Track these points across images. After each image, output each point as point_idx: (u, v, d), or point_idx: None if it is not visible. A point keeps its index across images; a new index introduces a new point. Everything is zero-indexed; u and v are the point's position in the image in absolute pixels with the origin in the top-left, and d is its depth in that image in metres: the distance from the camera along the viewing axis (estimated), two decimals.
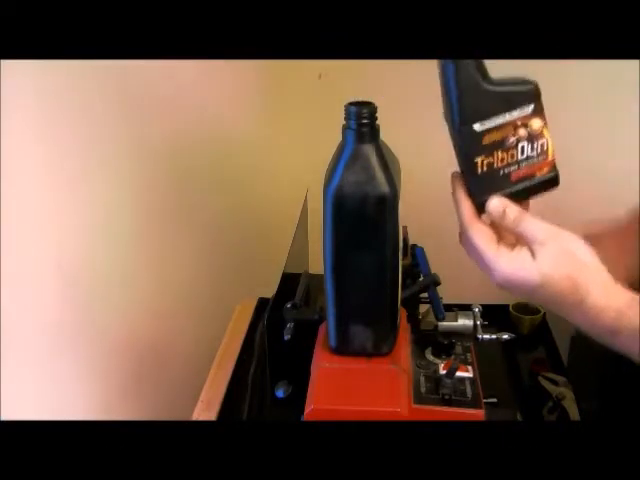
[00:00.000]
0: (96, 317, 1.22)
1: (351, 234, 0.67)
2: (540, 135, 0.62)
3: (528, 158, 0.62)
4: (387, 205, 0.65)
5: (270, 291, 0.84)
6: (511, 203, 0.61)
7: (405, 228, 0.85)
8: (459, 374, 0.71)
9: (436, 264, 0.82)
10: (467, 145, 0.61)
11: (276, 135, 1.28)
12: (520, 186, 0.62)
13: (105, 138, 1.13)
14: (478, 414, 0.67)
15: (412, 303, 0.80)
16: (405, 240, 0.85)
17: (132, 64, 1.02)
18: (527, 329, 1.08)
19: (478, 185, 0.62)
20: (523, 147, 0.62)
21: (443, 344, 0.76)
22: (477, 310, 0.79)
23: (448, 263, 0.83)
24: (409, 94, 1.22)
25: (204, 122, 1.22)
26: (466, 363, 0.74)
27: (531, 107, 0.61)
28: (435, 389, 0.70)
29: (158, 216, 1.24)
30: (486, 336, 0.77)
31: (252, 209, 1.33)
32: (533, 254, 0.58)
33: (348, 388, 0.68)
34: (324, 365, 0.71)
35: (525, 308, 1.09)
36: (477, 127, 0.60)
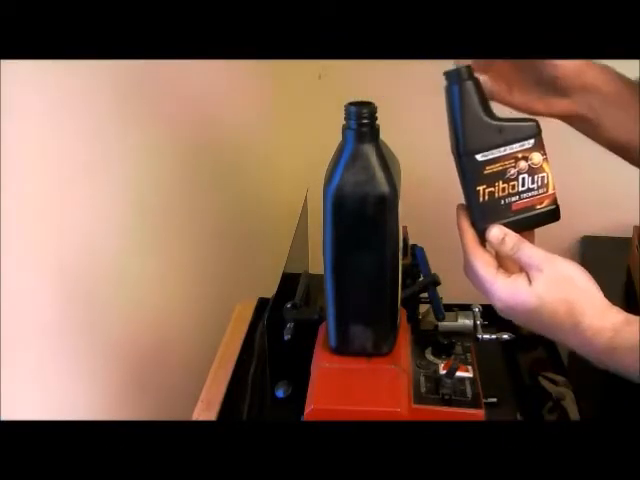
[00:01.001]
0: (96, 317, 1.22)
1: (351, 234, 0.67)
2: (540, 169, 0.64)
3: (528, 190, 0.64)
4: (387, 205, 0.65)
5: (270, 291, 0.84)
6: (510, 231, 0.63)
7: (405, 228, 0.85)
8: (459, 374, 0.71)
9: (436, 264, 0.82)
10: (470, 174, 0.64)
11: (276, 135, 1.29)
12: (520, 216, 0.64)
13: (105, 139, 1.13)
14: (478, 414, 0.67)
15: (412, 303, 0.80)
16: (405, 240, 0.85)
17: (133, 64, 1.02)
18: (527, 329, 1.08)
19: (480, 213, 0.64)
20: (524, 179, 0.64)
21: (443, 344, 0.76)
22: (477, 310, 0.79)
23: (448, 263, 0.83)
24: (409, 94, 1.22)
25: (204, 122, 1.22)
26: (466, 363, 0.74)
27: (532, 141, 0.64)
28: (435, 389, 0.70)
29: (158, 216, 1.24)
30: (486, 336, 0.77)
31: (252, 209, 1.33)
32: (530, 279, 0.60)
33: (348, 388, 0.68)
34: (324, 365, 0.71)
35: None
36: (479, 157, 0.63)
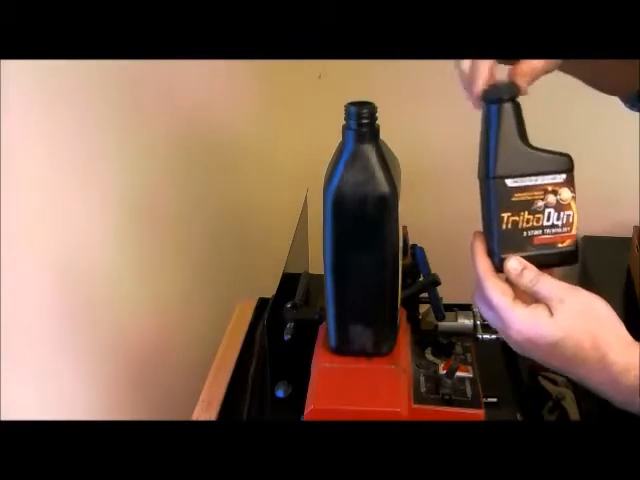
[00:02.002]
0: (96, 317, 1.22)
1: (351, 234, 0.67)
2: (568, 206, 0.62)
3: (553, 226, 0.62)
4: (387, 205, 0.65)
5: (270, 291, 0.84)
6: (529, 264, 0.60)
7: (405, 228, 0.85)
8: (459, 374, 0.72)
9: (436, 264, 0.82)
10: (497, 199, 0.61)
11: (276, 135, 1.29)
12: (540, 252, 0.62)
13: (105, 139, 1.13)
14: (478, 414, 0.67)
15: (412, 303, 0.80)
16: (405, 240, 0.85)
17: (133, 64, 1.02)
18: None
19: (500, 241, 0.62)
20: (550, 214, 0.62)
21: (443, 344, 0.76)
22: (477, 310, 0.79)
23: (448, 263, 0.83)
24: (409, 94, 1.22)
25: (204, 122, 1.22)
26: (466, 363, 0.74)
27: (563, 176, 0.61)
28: (435, 389, 0.70)
29: (158, 216, 1.24)
30: (486, 336, 0.77)
31: (252, 209, 1.33)
32: (551, 311, 0.57)
33: (348, 388, 0.68)
34: (324, 365, 0.71)
35: None
36: (509, 182, 0.61)
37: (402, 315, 0.76)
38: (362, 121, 0.64)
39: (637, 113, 0.91)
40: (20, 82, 0.98)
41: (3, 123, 0.97)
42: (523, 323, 0.57)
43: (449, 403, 0.68)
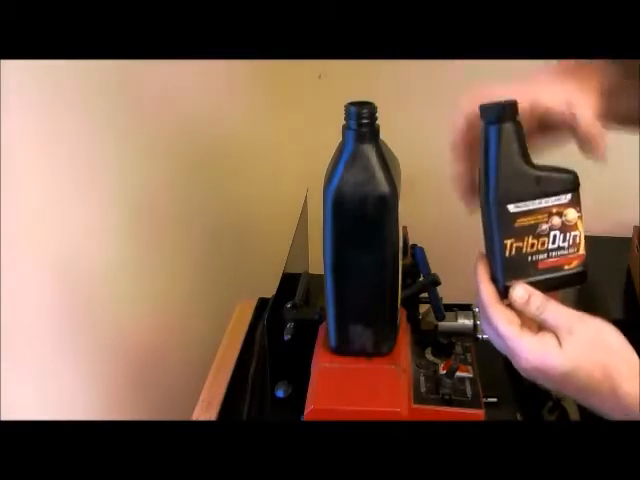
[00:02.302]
0: (96, 317, 1.22)
1: (351, 234, 0.67)
2: (574, 227, 0.60)
3: (559, 249, 0.60)
4: (387, 205, 0.65)
5: (270, 291, 0.84)
6: (536, 291, 0.59)
7: (405, 228, 0.85)
8: (459, 374, 0.71)
9: (436, 264, 0.82)
10: (499, 225, 0.59)
11: (276, 135, 1.28)
12: (546, 276, 0.60)
13: (105, 139, 1.13)
14: (478, 414, 0.67)
15: (412, 303, 0.80)
16: (405, 240, 0.85)
17: (132, 64, 1.02)
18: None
19: (504, 268, 0.60)
20: (555, 236, 0.59)
21: (443, 344, 0.76)
22: (477, 310, 0.79)
23: (448, 263, 0.83)
24: (409, 94, 1.22)
25: (204, 122, 1.22)
26: (466, 363, 0.74)
27: (569, 196, 0.59)
28: (435, 389, 0.70)
29: (157, 216, 1.24)
30: (486, 336, 0.77)
31: (252, 209, 1.33)
32: (559, 341, 0.56)
33: (348, 388, 0.68)
34: (324, 365, 0.71)
35: None
36: (511, 208, 0.58)
37: (402, 315, 0.76)
38: (362, 121, 0.64)
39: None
40: (20, 82, 0.98)
41: (3, 123, 0.97)
42: (532, 352, 0.56)
43: (449, 403, 0.68)
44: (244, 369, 0.94)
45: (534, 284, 0.59)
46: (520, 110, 0.58)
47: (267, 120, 1.27)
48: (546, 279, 0.60)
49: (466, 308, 0.80)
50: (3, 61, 0.86)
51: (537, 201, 0.58)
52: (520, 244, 0.59)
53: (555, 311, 0.58)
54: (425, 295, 0.79)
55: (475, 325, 0.78)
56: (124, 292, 1.24)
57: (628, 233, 1.19)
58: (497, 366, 0.96)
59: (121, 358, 1.26)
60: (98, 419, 1.20)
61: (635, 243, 1.16)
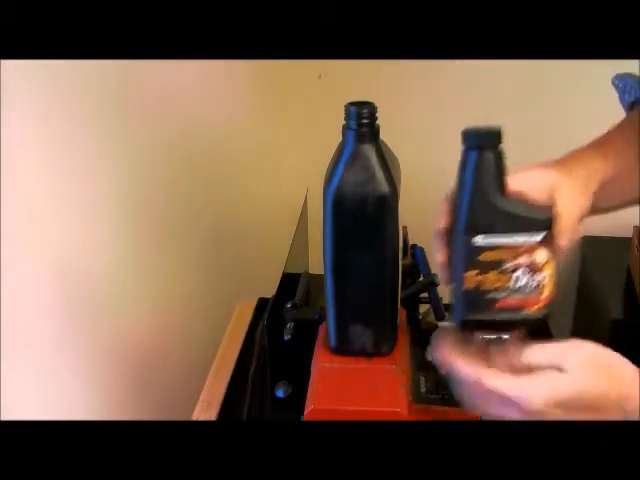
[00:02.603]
0: (96, 317, 1.22)
1: (351, 234, 0.67)
2: (541, 269, 0.56)
3: (520, 289, 0.56)
4: (387, 205, 0.65)
5: (270, 291, 0.84)
6: (509, 348, 0.56)
7: (405, 228, 0.85)
8: None
9: (436, 264, 0.82)
10: (462, 255, 0.56)
11: (276, 135, 1.29)
12: (502, 316, 0.57)
13: (105, 139, 1.13)
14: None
15: (412, 303, 0.80)
16: (405, 240, 0.85)
17: (132, 64, 1.02)
18: (527, 329, 1.08)
19: (460, 301, 0.57)
20: (519, 277, 0.56)
21: None
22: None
23: None
24: (409, 94, 1.22)
25: (204, 122, 1.22)
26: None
27: (540, 236, 0.56)
28: (435, 389, 0.70)
29: (158, 216, 1.24)
30: (486, 336, 0.77)
31: (252, 209, 1.33)
32: (560, 370, 0.54)
33: (348, 388, 0.68)
34: (324, 365, 0.71)
35: None
36: (479, 240, 0.56)
37: (402, 315, 0.76)
38: (362, 121, 0.64)
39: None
40: (20, 82, 0.98)
41: (3, 123, 0.98)
42: (538, 387, 0.53)
43: (449, 403, 0.68)
44: (244, 369, 0.94)
45: (489, 323, 0.57)
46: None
47: (267, 120, 1.27)
48: (502, 320, 0.57)
49: None
50: (3, 61, 0.86)
51: (506, 237, 0.56)
52: (481, 278, 0.56)
53: (538, 352, 0.55)
54: (425, 295, 0.79)
55: None
56: (124, 292, 1.24)
57: (628, 233, 1.19)
58: None
59: (121, 358, 1.26)
60: (98, 419, 1.20)
61: (635, 243, 1.16)
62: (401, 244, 0.70)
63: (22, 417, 0.98)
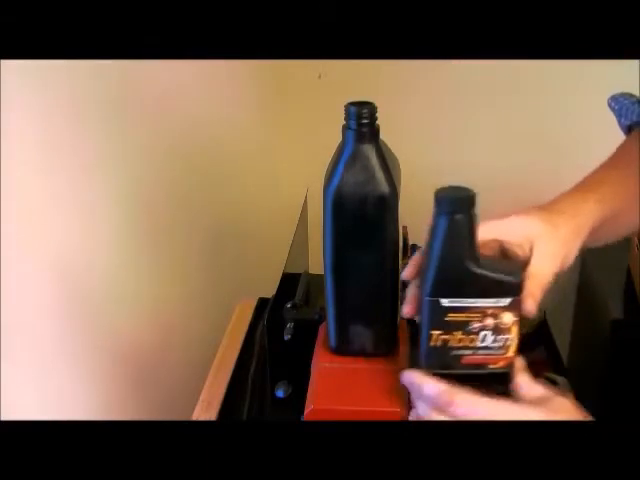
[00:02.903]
0: (96, 317, 1.22)
1: (351, 234, 0.67)
2: (507, 330, 0.58)
3: (487, 348, 0.58)
4: (387, 205, 0.65)
5: (270, 291, 0.84)
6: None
7: (405, 228, 0.85)
8: None
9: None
10: (428, 316, 0.58)
11: (276, 135, 1.29)
12: (468, 371, 0.59)
13: (105, 139, 1.13)
14: None
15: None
16: (405, 240, 0.85)
17: (132, 64, 1.02)
18: (527, 329, 1.08)
19: (427, 356, 0.59)
20: (485, 336, 0.57)
21: None
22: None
23: None
24: (409, 94, 1.22)
25: (204, 122, 1.22)
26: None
27: (508, 300, 0.56)
28: None
29: (158, 216, 1.24)
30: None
31: (252, 209, 1.33)
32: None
33: (348, 388, 0.68)
34: (324, 365, 0.71)
35: None
36: (445, 302, 0.57)
37: None
38: (362, 121, 0.64)
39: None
40: (20, 82, 0.98)
41: (3, 123, 0.97)
42: (536, 411, 0.55)
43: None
44: (244, 369, 0.94)
45: (455, 378, 0.58)
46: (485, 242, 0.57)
47: (267, 120, 1.27)
48: (468, 375, 0.58)
49: None
50: (3, 61, 0.86)
51: (472, 300, 0.56)
52: (447, 337, 0.58)
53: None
54: None
55: None
56: (124, 292, 1.24)
57: None
58: None
59: (121, 358, 1.26)
60: (98, 419, 1.20)
61: (635, 243, 1.16)
62: (401, 244, 0.70)
63: (22, 417, 0.98)
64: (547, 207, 0.63)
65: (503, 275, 0.56)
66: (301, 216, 0.94)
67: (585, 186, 0.66)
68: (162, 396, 1.30)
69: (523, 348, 1.00)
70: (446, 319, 0.57)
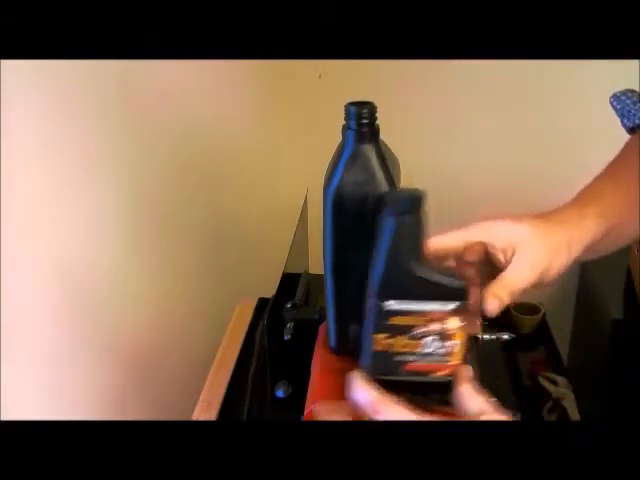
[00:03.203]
0: (95, 318, 1.22)
1: (351, 234, 0.67)
2: (452, 336, 0.56)
3: (431, 354, 0.57)
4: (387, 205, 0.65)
5: (270, 291, 0.84)
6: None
7: None
8: None
9: None
10: (372, 318, 0.56)
11: (276, 135, 1.29)
12: (410, 378, 0.57)
13: (105, 139, 1.13)
14: None
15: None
16: None
17: (132, 64, 1.02)
18: (527, 329, 1.08)
19: (368, 361, 0.58)
20: (430, 342, 0.56)
21: None
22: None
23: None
24: (409, 94, 1.22)
25: (204, 122, 1.22)
26: (466, 363, 0.74)
27: (453, 305, 0.55)
28: None
29: (158, 216, 1.24)
30: (486, 336, 0.77)
31: (252, 209, 1.33)
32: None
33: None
34: (324, 365, 0.71)
35: (525, 308, 1.09)
36: (389, 305, 0.55)
37: None
38: (362, 121, 0.63)
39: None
40: (20, 82, 0.98)
41: (3, 123, 0.97)
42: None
43: (449, 403, 0.68)
44: (244, 369, 0.94)
45: (396, 385, 0.57)
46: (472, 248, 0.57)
47: (267, 120, 1.27)
48: (410, 382, 0.57)
49: None
50: (3, 61, 0.86)
51: (417, 304, 0.55)
52: (390, 342, 0.56)
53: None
54: None
55: None
56: (124, 292, 1.24)
57: None
58: (497, 366, 0.96)
59: (121, 358, 1.26)
60: (98, 419, 1.20)
61: (635, 245, 1.16)
62: None
63: (22, 417, 0.98)
64: (546, 215, 0.62)
65: (448, 279, 0.55)
66: (301, 216, 0.94)
67: (585, 198, 0.65)
68: (162, 396, 1.30)
69: (523, 348, 1.01)
70: (389, 323, 0.56)
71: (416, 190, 0.55)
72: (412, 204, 0.54)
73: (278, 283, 0.83)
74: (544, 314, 1.09)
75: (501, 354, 0.98)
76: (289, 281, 0.87)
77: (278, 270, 0.85)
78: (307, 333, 0.77)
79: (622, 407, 1.07)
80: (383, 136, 0.67)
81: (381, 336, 0.56)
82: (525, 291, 0.59)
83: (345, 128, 0.65)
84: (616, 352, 1.11)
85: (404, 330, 0.56)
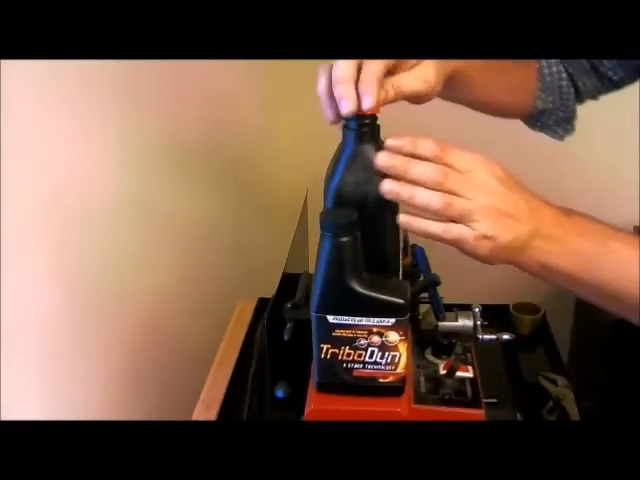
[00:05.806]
0: (96, 318, 1.22)
1: None
2: (394, 347, 0.61)
3: (375, 363, 0.62)
4: (387, 205, 0.65)
5: (270, 291, 0.84)
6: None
7: None
8: (459, 374, 0.71)
9: (436, 264, 0.82)
10: (317, 331, 0.62)
11: (276, 135, 1.29)
12: (360, 382, 0.63)
13: (106, 139, 1.13)
14: (478, 414, 0.67)
15: (412, 303, 0.79)
16: (405, 240, 0.85)
17: (134, 64, 1.02)
18: (527, 329, 1.08)
19: (320, 367, 0.63)
20: (373, 352, 0.62)
21: (443, 344, 0.76)
22: (477, 310, 0.79)
23: (448, 263, 0.83)
24: None
25: (204, 122, 1.22)
26: (466, 363, 0.74)
27: (392, 321, 0.60)
28: (435, 389, 0.70)
29: (158, 216, 1.24)
30: (486, 336, 0.77)
31: (252, 209, 1.33)
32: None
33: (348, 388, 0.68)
34: None
35: (525, 308, 1.09)
36: (331, 319, 0.60)
37: None
38: (362, 121, 0.64)
39: (636, 112, 0.90)
40: (20, 81, 0.98)
41: (3, 123, 0.98)
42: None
43: (449, 403, 0.68)
44: (244, 369, 0.94)
45: (348, 387, 0.62)
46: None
47: (267, 120, 1.27)
48: (360, 386, 0.63)
49: (466, 308, 0.80)
50: (3, 61, 0.86)
51: (358, 319, 0.60)
52: (336, 351, 0.62)
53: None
54: (425, 295, 0.79)
55: (475, 325, 0.78)
56: (124, 293, 1.24)
57: None
58: (497, 366, 0.96)
59: (121, 358, 1.26)
60: (98, 419, 1.20)
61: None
62: (401, 244, 0.70)
63: (22, 417, 0.98)
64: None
65: (388, 297, 0.60)
66: (301, 216, 0.94)
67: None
68: (162, 396, 1.30)
69: (523, 348, 1.00)
70: (333, 334, 0.61)
71: (351, 212, 0.58)
72: (347, 227, 0.58)
73: (278, 283, 0.83)
74: (544, 314, 1.09)
75: (501, 354, 0.98)
76: (289, 281, 0.87)
77: (278, 270, 0.85)
78: (307, 333, 0.77)
79: (622, 407, 1.07)
80: (383, 136, 0.67)
81: (326, 346, 0.62)
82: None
83: (345, 128, 0.65)
84: (616, 352, 1.11)
85: (347, 341, 0.61)
